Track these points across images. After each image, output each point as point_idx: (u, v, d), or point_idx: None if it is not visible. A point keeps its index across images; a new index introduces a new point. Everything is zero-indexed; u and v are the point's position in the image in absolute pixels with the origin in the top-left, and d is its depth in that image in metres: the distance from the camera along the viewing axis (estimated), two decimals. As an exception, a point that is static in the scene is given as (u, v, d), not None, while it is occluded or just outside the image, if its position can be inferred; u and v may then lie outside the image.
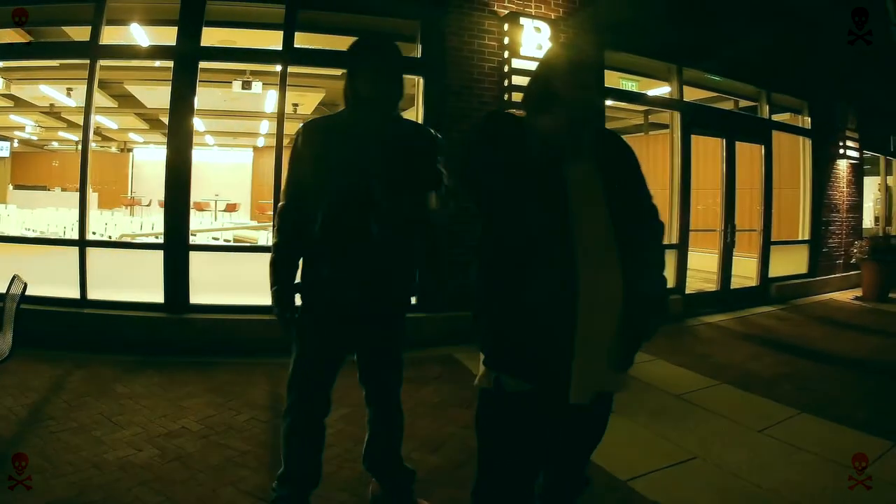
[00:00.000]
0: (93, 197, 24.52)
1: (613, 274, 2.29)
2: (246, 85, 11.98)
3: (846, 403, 5.61)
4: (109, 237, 14.00)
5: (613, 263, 2.29)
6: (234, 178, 24.42)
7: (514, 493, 2.48)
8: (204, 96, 14.08)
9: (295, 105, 16.65)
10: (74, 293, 6.91)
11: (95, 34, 6.93)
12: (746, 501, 3.74)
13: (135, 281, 7.09)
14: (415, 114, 7.58)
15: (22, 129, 22.65)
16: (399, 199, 2.93)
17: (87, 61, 7.04)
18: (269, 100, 15.12)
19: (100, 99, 15.07)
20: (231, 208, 21.57)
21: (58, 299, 6.83)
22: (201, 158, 23.80)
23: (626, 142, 2.53)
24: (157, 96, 14.82)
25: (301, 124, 3.10)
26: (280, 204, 3.06)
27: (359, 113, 3.03)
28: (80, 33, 7.66)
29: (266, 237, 14.15)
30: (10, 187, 27.39)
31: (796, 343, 8.11)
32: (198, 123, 19.11)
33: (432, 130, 3.23)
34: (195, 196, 20.84)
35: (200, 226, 16.45)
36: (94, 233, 12.57)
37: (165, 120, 18.65)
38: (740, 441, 4.69)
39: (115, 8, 7.08)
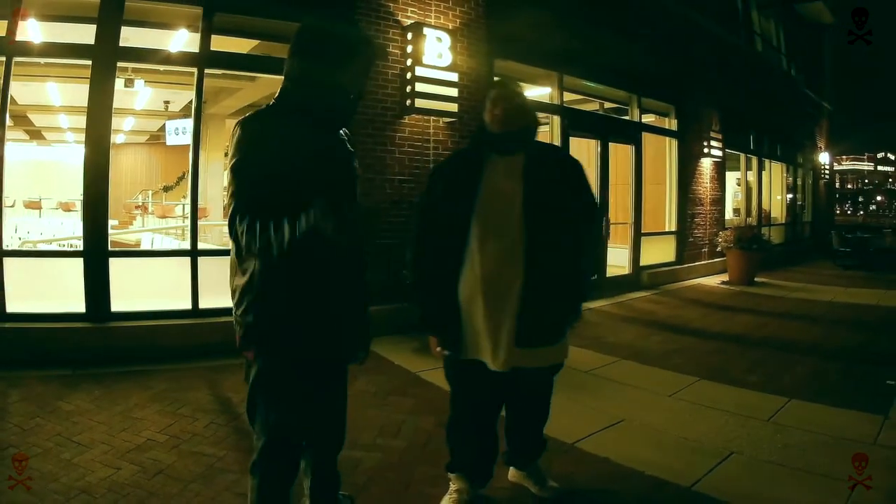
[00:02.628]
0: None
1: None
2: (129, 83, 11.97)
3: (737, 370, 6.64)
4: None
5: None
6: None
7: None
8: (71, 92, 14.15)
9: (167, 102, 16.53)
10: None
11: (12, 30, 6.70)
12: (680, 449, 4.51)
13: (54, 291, 7.00)
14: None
15: None
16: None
17: (3, 58, 6.75)
18: (143, 96, 15.19)
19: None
20: (99, 208, 21.04)
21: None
22: (62, 157, 23.26)
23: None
24: (31, 92, 14.67)
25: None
26: (241, 214, 2.41)
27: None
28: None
29: (151, 240, 14.12)
30: None
31: (677, 323, 9.19)
32: (63, 120, 19.01)
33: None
34: (61, 196, 20.29)
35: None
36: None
37: (32, 117, 18.44)
38: (656, 405, 5.53)
39: (30, 2, 6.92)
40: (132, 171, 24.92)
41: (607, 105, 13.41)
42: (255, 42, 8.87)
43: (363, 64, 2.78)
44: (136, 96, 15.00)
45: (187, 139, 18.21)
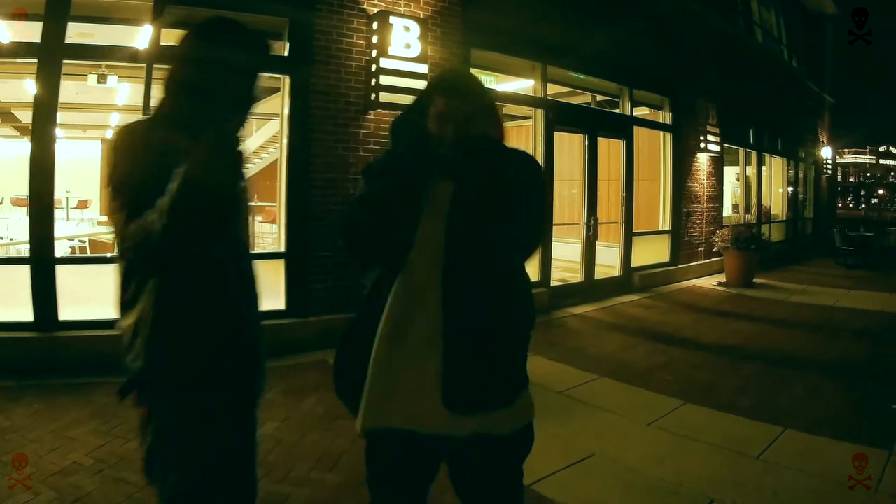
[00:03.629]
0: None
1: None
2: (101, 79, 11.56)
3: (727, 391, 6.02)
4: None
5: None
6: (83, 173, 22.25)
7: None
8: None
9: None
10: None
11: None
12: (652, 495, 3.94)
13: (4, 298, 6.63)
14: (280, 114, 7.58)
15: None
16: None
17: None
18: (122, 92, 14.70)
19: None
20: (83, 205, 20.56)
21: None
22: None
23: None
24: (11, 89, 14.31)
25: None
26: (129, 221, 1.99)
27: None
28: None
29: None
30: None
31: (666, 331, 8.56)
32: None
33: None
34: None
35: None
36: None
37: (18, 113, 18.07)
38: (632, 436, 4.93)
39: None
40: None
41: (599, 98, 12.72)
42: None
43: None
44: (114, 93, 14.40)
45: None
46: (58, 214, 6.94)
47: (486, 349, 2.24)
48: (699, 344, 7.93)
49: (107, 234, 15.36)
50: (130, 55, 7.17)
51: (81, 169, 22.38)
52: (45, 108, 6.64)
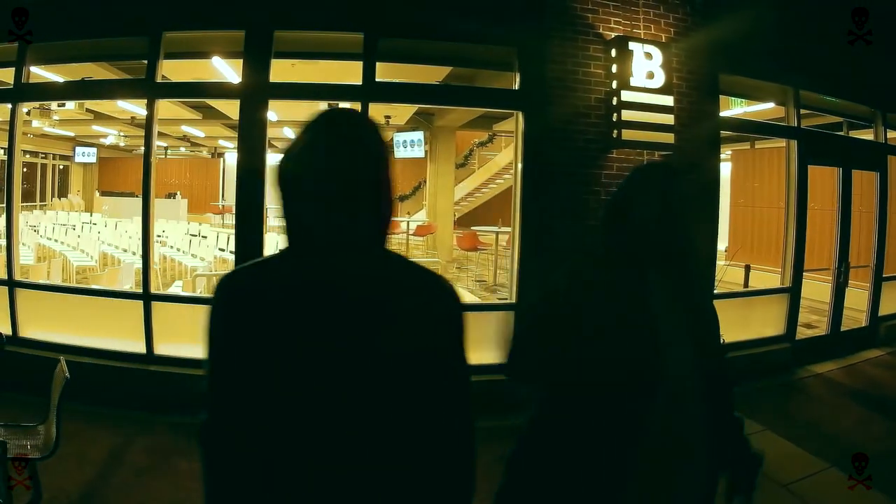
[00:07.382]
0: (182, 203, 24.50)
1: None
2: (332, 105, 11.34)
3: None
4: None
5: None
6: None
7: None
8: (290, 108, 13.47)
9: (387, 117, 15.50)
10: (138, 348, 6.07)
11: (152, 72, 6.11)
12: None
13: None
14: (513, 155, 6.55)
15: (105, 136, 22.85)
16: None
17: (145, 100, 6.38)
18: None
19: (182, 111, 16.09)
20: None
21: (121, 353, 6.11)
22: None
23: None
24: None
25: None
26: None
27: (310, 255, 1.48)
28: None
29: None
30: (97, 193, 27.38)
31: None
32: (289, 133, 18.62)
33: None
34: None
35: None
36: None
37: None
38: None
39: (172, 40, 6.25)
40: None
41: (827, 120, 10.69)
42: (447, 69, 8.06)
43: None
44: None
45: (416, 152, 17.13)
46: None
47: None
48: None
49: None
50: (341, 93, 6.73)
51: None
52: (250, 162, 6.16)
